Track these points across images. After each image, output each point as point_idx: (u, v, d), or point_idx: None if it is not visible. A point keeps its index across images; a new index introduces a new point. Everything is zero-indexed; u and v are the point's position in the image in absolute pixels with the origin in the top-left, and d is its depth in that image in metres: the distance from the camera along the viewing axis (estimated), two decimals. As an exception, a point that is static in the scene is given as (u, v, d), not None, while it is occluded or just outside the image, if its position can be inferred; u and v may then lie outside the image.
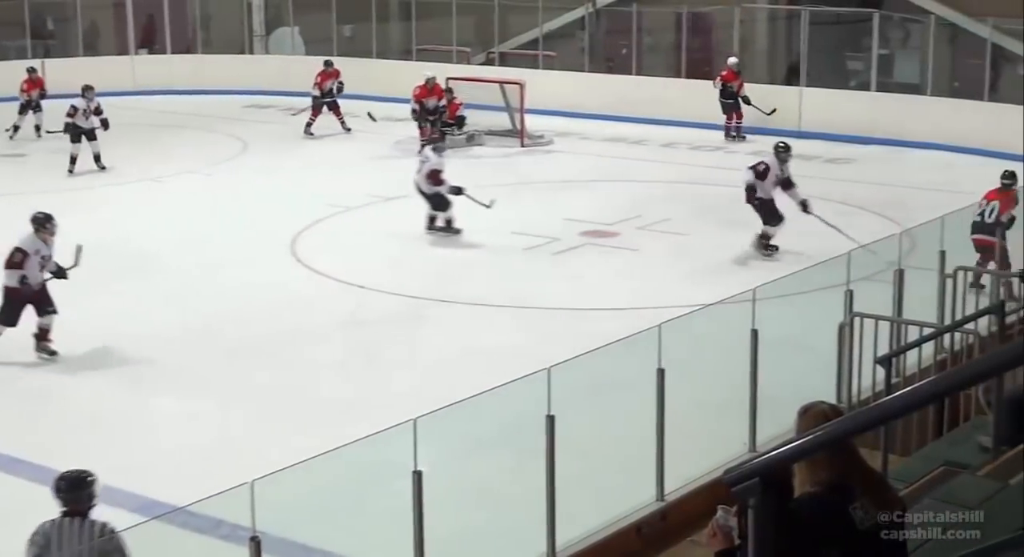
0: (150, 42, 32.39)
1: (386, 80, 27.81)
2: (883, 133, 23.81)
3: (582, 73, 29.08)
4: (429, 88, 24.30)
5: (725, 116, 25.31)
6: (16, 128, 24.90)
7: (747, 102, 25.13)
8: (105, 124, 22.48)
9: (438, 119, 24.26)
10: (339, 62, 27.42)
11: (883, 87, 25.79)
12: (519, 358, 11.12)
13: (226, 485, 6.96)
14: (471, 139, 24.74)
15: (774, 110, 24.94)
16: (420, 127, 24.11)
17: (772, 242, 16.63)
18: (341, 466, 8.41)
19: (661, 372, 9.04)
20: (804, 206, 16.75)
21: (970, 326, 10.52)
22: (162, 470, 10.61)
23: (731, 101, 25.18)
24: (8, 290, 13.23)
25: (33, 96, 25.01)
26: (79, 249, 13.51)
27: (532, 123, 25.17)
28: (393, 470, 8.48)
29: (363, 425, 8.43)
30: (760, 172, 16.81)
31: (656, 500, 9.05)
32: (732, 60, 25.49)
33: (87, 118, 22.20)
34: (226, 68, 31.29)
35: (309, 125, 25.86)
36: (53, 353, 13.20)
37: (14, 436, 11.46)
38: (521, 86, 24.98)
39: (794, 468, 4.62)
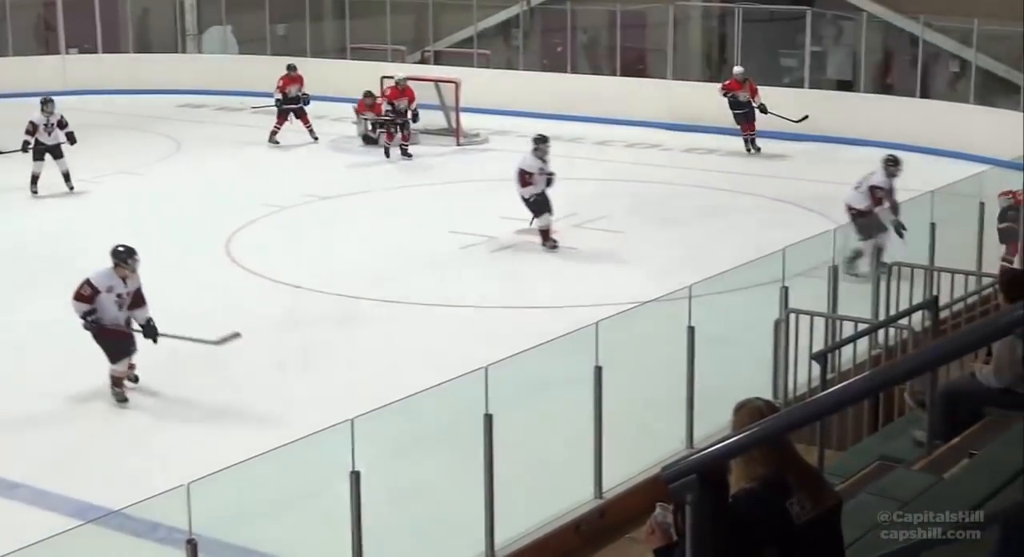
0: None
1: (320, 79, 27.69)
2: (816, 130, 23.97)
3: (517, 71, 29.11)
4: (400, 89, 23.57)
5: (740, 127, 23.91)
6: None
7: (764, 111, 23.58)
8: (71, 138, 20.74)
9: (407, 122, 23.52)
10: (273, 62, 27.29)
11: (816, 84, 26.00)
12: (456, 357, 11.11)
13: (162, 488, 6.91)
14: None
15: (805, 116, 23.60)
16: (389, 132, 23.46)
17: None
18: (278, 467, 8.36)
19: (598, 370, 9.05)
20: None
21: (904, 322, 10.61)
22: (97, 473, 10.52)
23: (741, 111, 23.72)
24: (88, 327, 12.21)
25: None
26: (233, 335, 12.41)
27: (467, 122, 25.16)
28: (331, 470, 8.44)
29: (299, 426, 8.40)
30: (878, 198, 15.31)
31: (595, 498, 9.06)
32: (737, 69, 24.23)
33: (49, 134, 20.44)
34: (159, 67, 31.09)
35: (274, 133, 24.71)
36: (124, 400, 12.16)
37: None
38: (456, 85, 24.96)
39: (730, 465, 4.64)
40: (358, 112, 25.04)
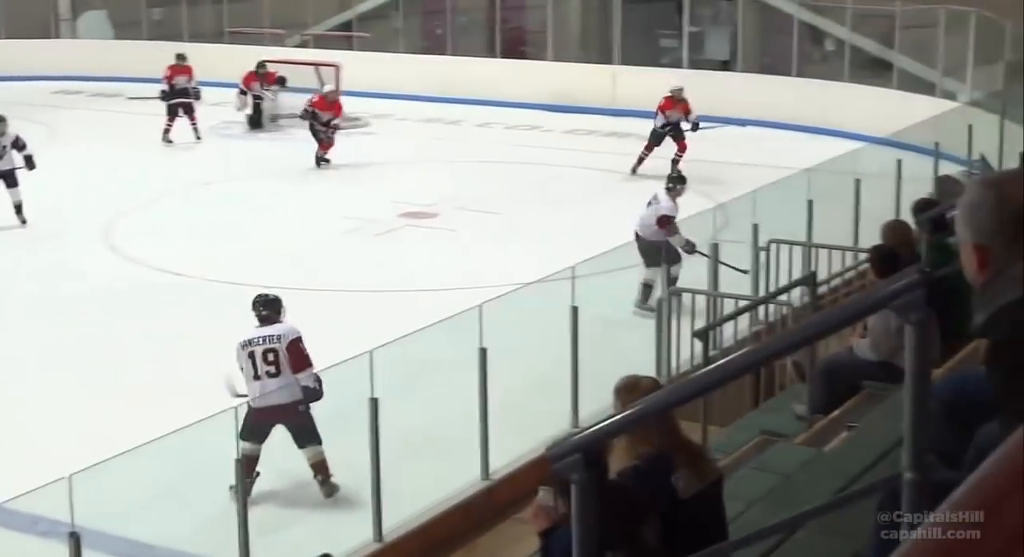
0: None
1: (198, 64, 27.35)
2: (696, 110, 24.17)
3: (397, 54, 29.00)
4: (330, 102, 21.96)
5: (644, 147, 20.54)
6: None
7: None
8: (30, 162, 17.56)
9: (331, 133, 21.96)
10: (150, 47, 26.88)
11: (695, 64, 26.20)
12: (340, 341, 11.06)
13: (42, 480, 6.80)
14: (275, 120, 24.52)
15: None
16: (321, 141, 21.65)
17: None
18: (162, 456, 8.28)
19: (483, 351, 9.07)
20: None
21: (783, 298, 10.76)
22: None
23: (668, 131, 20.38)
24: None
25: None
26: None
27: (348, 105, 24.99)
28: (216, 459, 8.38)
29: (182, 414, 8.31)
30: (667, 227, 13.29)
31: (482, 479, 9.09)
32: (675, 86, 20.71)
33: (1, 157, 17.36)
34: (32, 53, 30.48)
35: (167, 131, 23.07)
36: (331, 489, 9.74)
37: None
38: (337, 68, 24.82)
39: (612, 444, 4.67)
40: (246, 85, 24.53)
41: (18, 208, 17.59)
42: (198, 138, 23.25)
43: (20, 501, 7.52)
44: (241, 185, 20.20)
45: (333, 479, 9.38)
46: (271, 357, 9.47)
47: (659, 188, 13.94)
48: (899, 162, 14.68)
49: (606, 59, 26.89)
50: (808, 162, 15.01)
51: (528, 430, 9.83)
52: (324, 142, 21.53)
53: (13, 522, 8.56)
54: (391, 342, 8.74)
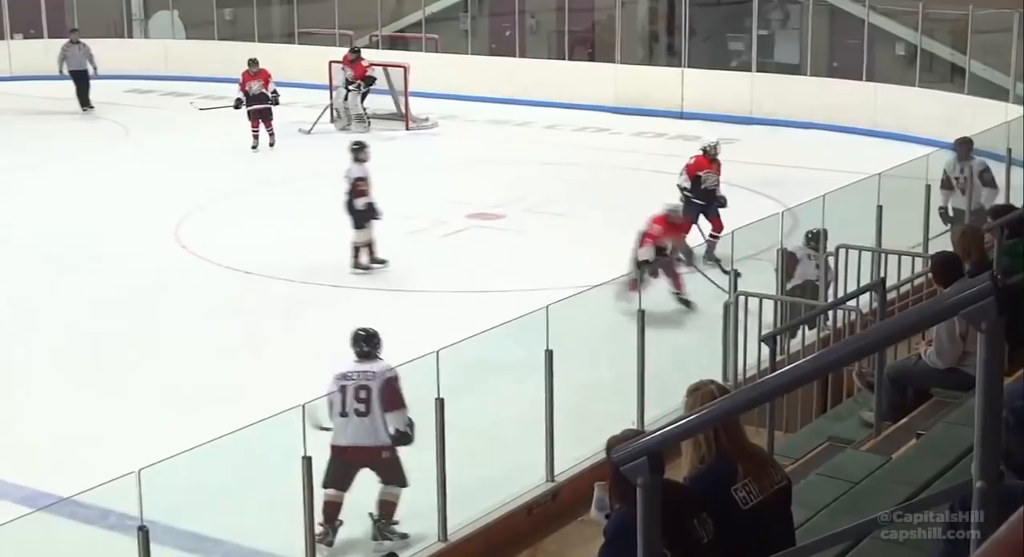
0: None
1: (269, 64, 27.51)
2: (763, 113, 24.09)
3: (465, 55, 29.06)
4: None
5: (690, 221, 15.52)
6: None
7: (723, 205, 16.06)
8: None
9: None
10: (220, 47, 27.07)
11: (763, 67, 26.08)
12: (407, 342, 11.09)
13: (113, 474, 6.88)
14: (361, 120, 24.61)
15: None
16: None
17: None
18: (229, 453, 8.34)
19: (549, 353, 9.07)
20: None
21: (852, 303, 10.69)
22: (48, 460, 10.46)
23: (703, 201, 15.98)
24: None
25: None
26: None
27: (416, 106, 25.11)
28: (282, 456, 8.43)
29: (252, 411, 8.37)
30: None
31: (546, 480, 9.09)
32: (709, 142, 16.62)
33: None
34: (105, 52, 30.75)
35: (256, 136, 22.78)
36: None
37: None
38: (405, 69, 24.91)
39: (682, 448, 4.68)
40: (342, 65, 24.80)
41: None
42: (272, 144, 22.83)
43: (91, 494, 7.60)
44: (309, 184, 20.30)
45: (395, 527, 9.02)
46: (363, 395, 9.04)
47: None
48: (970, 167, 14.54)
49: (674, 62, 26.80)
50: (878, 167, 14.88)
51: (593, 432, 9.83)
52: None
53: (84, 515, 8.65)
54: (456, 343, 8.74)
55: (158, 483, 6.84)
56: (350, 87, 24.53)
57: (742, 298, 10.66)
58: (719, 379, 9.63)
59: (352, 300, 14.48)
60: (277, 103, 22.95)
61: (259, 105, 22.77)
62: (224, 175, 20.80)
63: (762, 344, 10.03)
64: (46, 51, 27.98)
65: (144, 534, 6.70)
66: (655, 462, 4.07)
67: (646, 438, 4.26)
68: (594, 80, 26.59)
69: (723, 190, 16.19)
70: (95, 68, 26.02)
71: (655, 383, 9.70)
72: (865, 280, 11.46)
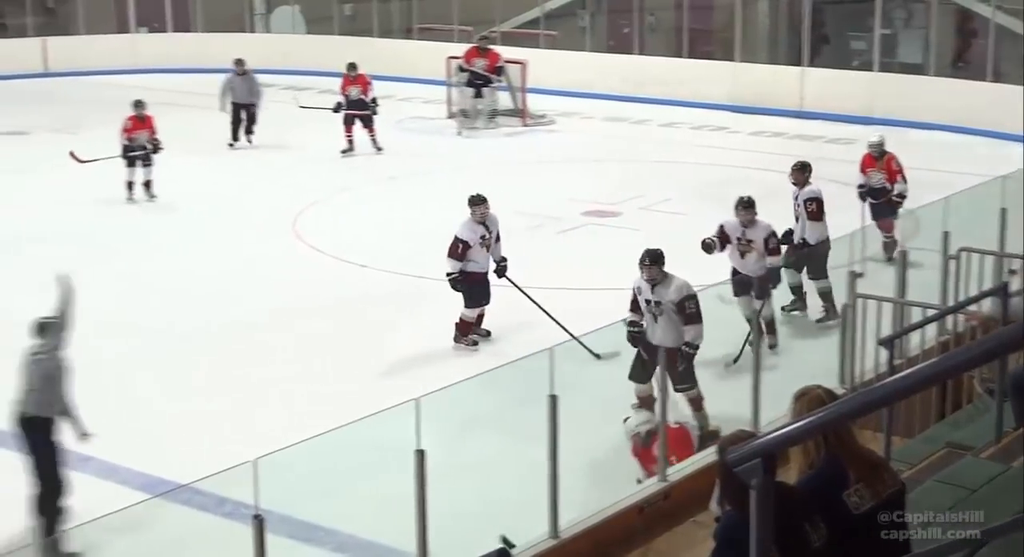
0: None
1: (388, 60, 27.74)
2: (885, 113, 23.76)
3: (584, 53, 29.03)
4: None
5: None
6: None
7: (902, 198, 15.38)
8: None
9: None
10: (340, 42, 27.24)
11: (886, 67, 25.72)
12: (520, 338, 11.13)
13: (229, 463, 6.97)
14: (493, 116, 24.67)
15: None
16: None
17: None
18: (344, 444, 8.42)
19: (663, 351, 9.05)
20: None
21: (973, 308, 10.51)
22: (166, 448, 10.64)
23: (876, 201, 15.49)
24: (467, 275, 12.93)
25: None
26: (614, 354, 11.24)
27: (534, 103, 25.14)
28: (396, 449, 8.49)
29: (366, 404, 8.44)
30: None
31: (659, 479, 9.06)
32: (873, 140, 15.94)
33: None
34: (227, 46, 31.17)
35: (350, 142, 22.28)
36: (475, 343, 12.93)
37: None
38: (523, 65, 24.95)
39: (790, 454, 4.65)
40: (467, 61, 24.66)
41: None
42: (378, 149, 22.27)
43: (208, 482, 7.71)
44: (424, 180, 20.44)
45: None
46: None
47: None
48: (1099, 172, 14.24)
49: (794, 60, 26.54)
50: (1003, 169, 14.62)
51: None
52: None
53: (200, 502, 8.79)
54: (567, 341, 8.74)
55: (274, 472, 6.92)
56: (478, 81, 24.49)
57: (860, 301, 10.53)
58: (836, 381, 9.57)
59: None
60: (376, 113, 22.30)
61: (357, 111, 22.16)
62: (341, 169, 21.04)
63: (880, 347, 9.90)
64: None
65: (259, 522, 6.78)
66: (769, 464, 4.06)
67: (761, 439, 4.24)
68: (712, 78, 26.43)
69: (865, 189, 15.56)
70: (260, 100, 23.29)
71: (769, 385, 9.61)
72: (987, 285, 11.26)
